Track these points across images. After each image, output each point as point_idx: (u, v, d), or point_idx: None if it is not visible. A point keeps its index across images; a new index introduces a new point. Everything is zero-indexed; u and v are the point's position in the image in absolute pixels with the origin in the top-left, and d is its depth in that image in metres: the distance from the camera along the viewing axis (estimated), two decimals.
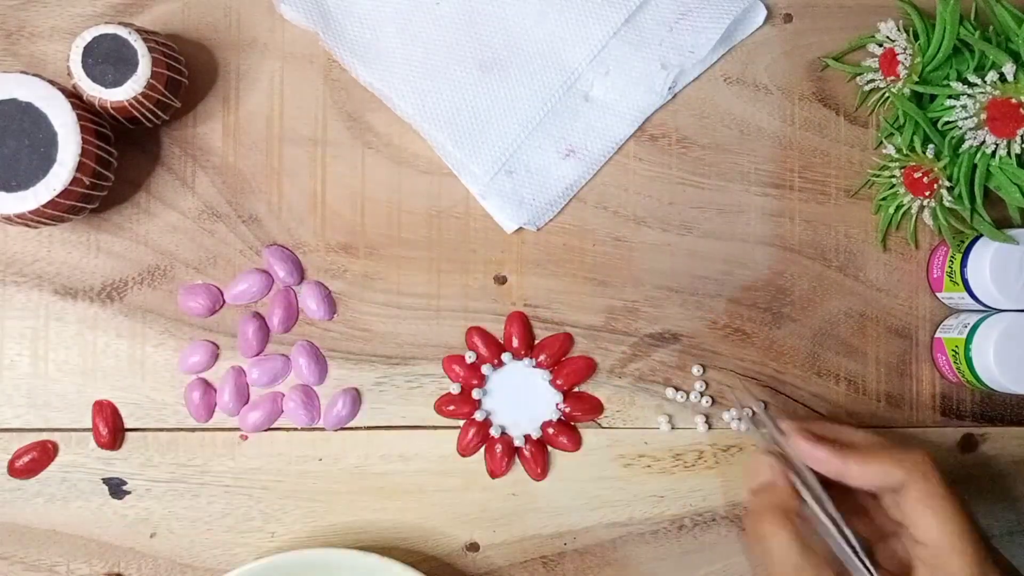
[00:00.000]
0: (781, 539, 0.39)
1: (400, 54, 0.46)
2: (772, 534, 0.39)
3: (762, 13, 0.48)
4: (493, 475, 0.47)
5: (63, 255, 0.46)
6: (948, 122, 0.44)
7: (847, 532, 0.39)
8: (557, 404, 0.47)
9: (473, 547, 0.46)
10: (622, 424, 0.47)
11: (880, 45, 0.46)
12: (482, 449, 0.47)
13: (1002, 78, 0.42)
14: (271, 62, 0.47)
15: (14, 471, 0.45)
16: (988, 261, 0.44)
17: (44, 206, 0.40)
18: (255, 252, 0.46)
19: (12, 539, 0.45)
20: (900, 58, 0.45)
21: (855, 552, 0.39)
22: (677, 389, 0.47)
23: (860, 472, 0.39)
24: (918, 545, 0.38)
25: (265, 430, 0.46)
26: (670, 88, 0.47)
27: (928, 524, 0.38)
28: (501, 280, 0.47)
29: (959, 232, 0.46)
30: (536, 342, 0.47)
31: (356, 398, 0.46)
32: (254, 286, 0.46)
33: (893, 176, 0.46)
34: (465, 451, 0.46)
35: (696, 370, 0.47)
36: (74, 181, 0.40)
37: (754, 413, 0.46)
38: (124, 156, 0.45)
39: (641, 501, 0.47)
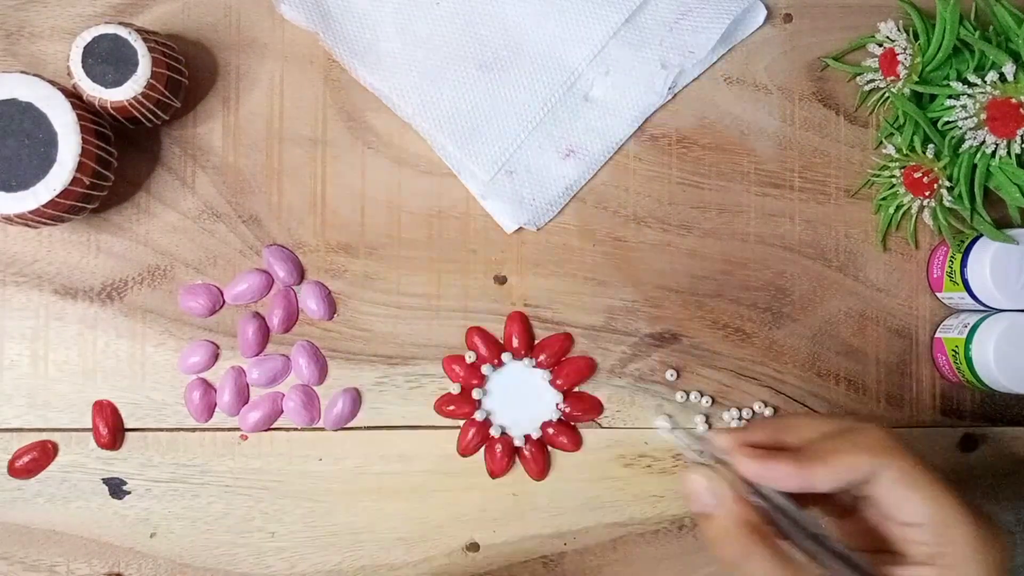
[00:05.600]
0: (757, 558, 0.34)
1: (400, 54, 0.46)
2: (745, 556, 0.34)
3: (762, 13, 0.48)
4: (493, 475, 0.47)
5: (63, 255, 0.46)
6: (948, 122, 0.44)
7: (819, 531, 0.35)
8: (557, 404, 0.47)
9: (473, 547, 0.46)
10: (622, 424, 0.47)
11: (880, 45, 0.46)
12: (482, 449, 0.47)
13: (1002, 78, 0.42)
14: (271, 62, 0.47)
15: (14, 471, 0.45)
16: (988, 261, 0.44)
17: (44, 206, 0.40)
18: (255, 252, 0.46)
19: (12, 539, 0.45)
20: (900, 58, 0.45)
21: (835, 552, 0.34)
22: (676, 389, 0.47)
23: (828, 476, 0.34)
24: (907, 528, 0.34)
25: (265, 430, 0.46)
26: (670, 88, 0.47)
27: (915, 503, 0.34)
28: (501, 280, 0.47)
29: (959, 232, 0.46)
30: (536, 342, 0.47)
31: (356, 398, 0.46)
32: (254, 286, 0.46)
33: (893, 176, 0.46)
34: (465, 451, 0.46)
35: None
36: (74, 181, 0.40)
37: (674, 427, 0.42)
38: (124, 156, 0.45)
39: (641, 501, 0.47)
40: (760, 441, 0.37)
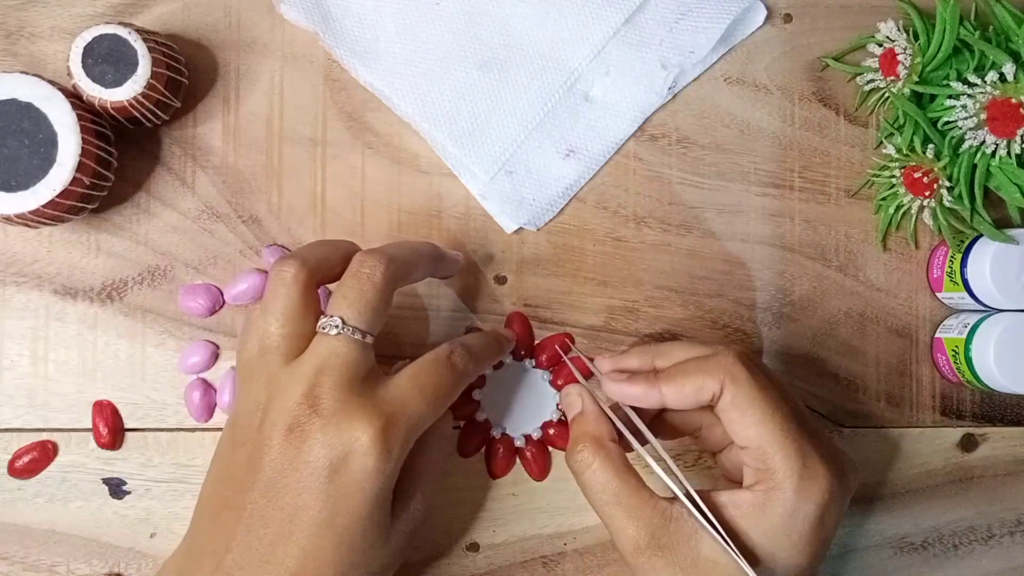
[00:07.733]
0: (595, 468, 0.37)
1: (400, 54, 0.46)
2: (585, 464, 0.38)
3: (762, 13, 0.48)
4: (493, 475, 0.47)
5: (63, 255, 0.46)
6: (948, 122, 0.44)
7: (663, 454, 0.38)
8: (557, 404, 0.47)
9: (473, 547, 0.46)
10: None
11: (880, 45, 0.46)
12: (482, 450, 0.47)
13: (1002, 78, 0.42)
14: (271, 62, 0.47)
15: (14, 471, 0.45)
16: (988, 261, 0.44)
17: (44, 206, 0.40)
18: (255, 252, 0.46)
19: (12, 539, 0.45)
20: (900, 58, 0.45)
21: (674, 475, 0.37)
22: None
23: (676, 396, 0.37)
24: (743, 451, 0.37)
25: None
26: (670, 88, 0.47)
27: (744, 427, 0.36)
28: (501, 280, 0.47)
29: (959, 232, 0.46)
30: (536, 342, 0.47)
31: None
32: (254, 286, 0.45)
33: (893, 176, 0.46)
34: (465, 451, 0.46)
35: None
36: (74, 181, 0.40)
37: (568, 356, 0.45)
38: (124, 156, 0.45)
39: None
40: (634, 367, 0.40)
